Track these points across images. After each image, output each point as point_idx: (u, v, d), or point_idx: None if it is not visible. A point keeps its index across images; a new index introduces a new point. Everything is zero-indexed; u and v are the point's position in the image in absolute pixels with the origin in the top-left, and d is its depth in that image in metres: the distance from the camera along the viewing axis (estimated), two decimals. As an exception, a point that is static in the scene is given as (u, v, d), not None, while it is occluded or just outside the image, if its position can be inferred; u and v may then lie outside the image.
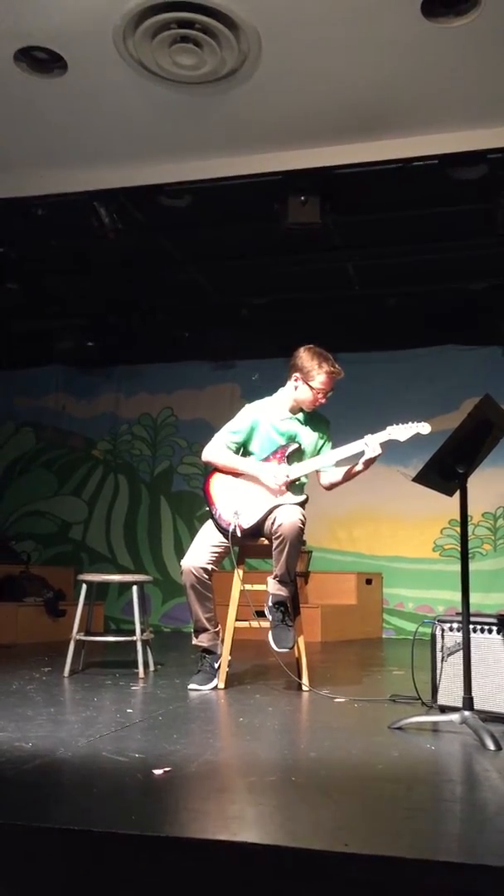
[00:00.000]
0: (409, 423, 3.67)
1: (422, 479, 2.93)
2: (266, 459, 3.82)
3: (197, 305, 7.29)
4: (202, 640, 3.84)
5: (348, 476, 3.84)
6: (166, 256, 6.37)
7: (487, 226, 5.56)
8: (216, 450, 3.87)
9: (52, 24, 3.83)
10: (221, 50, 3.92)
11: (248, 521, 3.74)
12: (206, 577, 3.76)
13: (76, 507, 8.30)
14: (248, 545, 3.84)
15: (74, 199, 5.17)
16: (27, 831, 1.73)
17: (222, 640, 3.86)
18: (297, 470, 3.80)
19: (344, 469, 3.84)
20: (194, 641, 3.87)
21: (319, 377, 3.81)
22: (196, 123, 4.59)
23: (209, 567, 3.76)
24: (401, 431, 3.68)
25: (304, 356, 3.85)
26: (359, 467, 3.78)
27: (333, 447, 3.90)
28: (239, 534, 3.72)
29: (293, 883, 1.60)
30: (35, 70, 4.16)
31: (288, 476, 3.72)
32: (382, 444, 3.68)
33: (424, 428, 3.64)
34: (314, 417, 3.95)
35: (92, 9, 3.72)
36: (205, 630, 3.83)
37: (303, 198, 4.94)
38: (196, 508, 7.63)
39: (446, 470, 2.90)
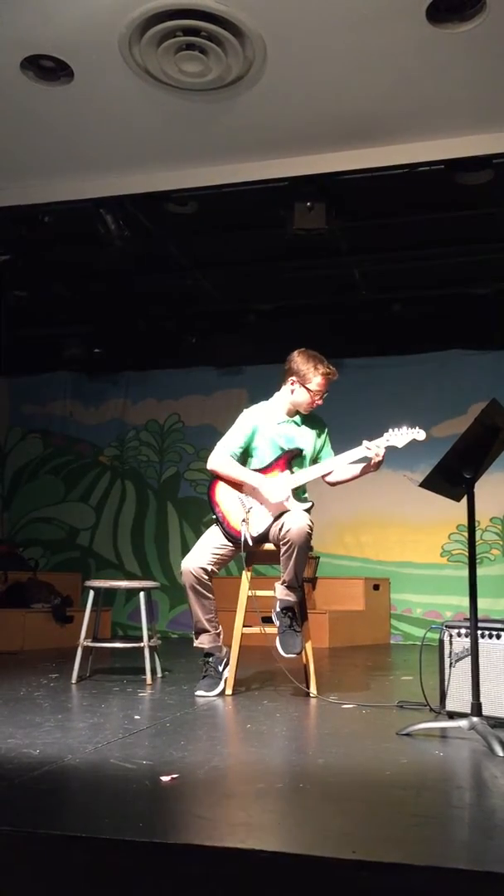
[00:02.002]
0: (406, 427, 3.71)
1: (429, 484, 2.93)
2: (268, 467, 3.83)
3: (203, 311, 7.30)
4: (203, 642, 3.84)
5: (353, 478, 3.88)
6: (173, 263, 6.39)
7: (493, 230, 5.57)
8: (221, 460, 3.87)
9: (58, 33, 3.85)
10: (227, 57, 3.94)
11: (256, 529, 3.75)
12: (206, 577, 3.76)
13: (83, 514, 8.31)
14: (256, 551, 3.84)
15: (81, 207, 5.19)
16: (34, 838, 1.73)
17: (224, 643, 3.87)
18: (300, 478, 3.81)
19: (350, 468, 3.85)
20: (195, 643, 3.87)
21: (316, 379, 3.84)
22: (202, 130, 4.61)
23: (209, 568, 3.77)
24: (398, 438, 3.72)
25: (300, 360, 3.88)
26: (359, 471, 3.82)
27: (338, 451, 3.91)
28: (251, 542, 3.73)
29: (301, 890, 1.59)
30: (41, 78, 4.18)
31: (289, 498, 3.73)
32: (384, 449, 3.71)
33: (420, 434, 3.71)
34: (311, 419, 3.99)
35: (98, 17, 3.74)
36: (205, 631, 3.83)
37: (309, 204, 4.95)
38: (203, 514, 7.63)
39: (453, 475, 2.90)
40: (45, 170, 5.05)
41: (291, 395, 3.90)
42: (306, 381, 3.85)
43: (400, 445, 3.72)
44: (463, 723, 2.75)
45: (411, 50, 3.92)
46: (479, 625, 2.94)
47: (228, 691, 3.77)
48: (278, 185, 4.98)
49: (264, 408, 3.99)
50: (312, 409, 3.94)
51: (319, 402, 3.90)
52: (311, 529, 3.62)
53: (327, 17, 3.72)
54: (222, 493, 3.87)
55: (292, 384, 3.89)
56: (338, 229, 5.41)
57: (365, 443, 3.73)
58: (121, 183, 5.12)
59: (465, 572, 2.93)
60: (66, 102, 4.37)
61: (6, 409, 8.64)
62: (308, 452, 3.92)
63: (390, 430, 3.75)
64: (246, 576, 3.82)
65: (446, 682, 3.21)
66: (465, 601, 2.95)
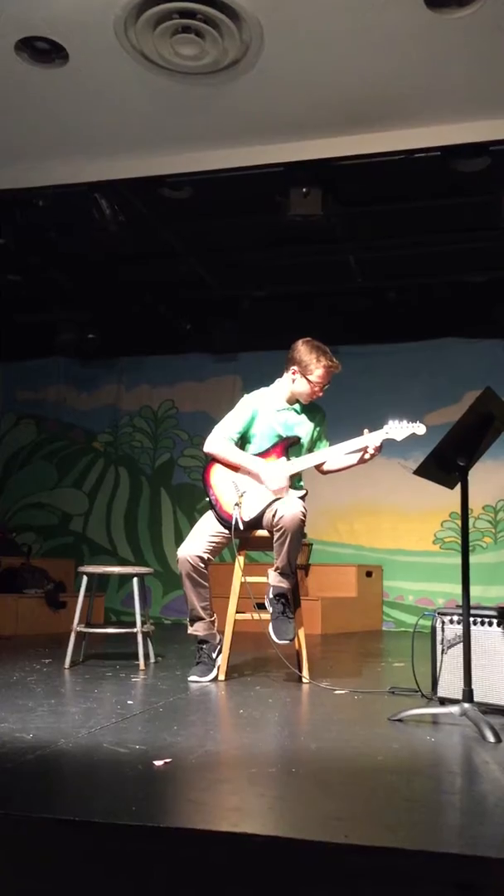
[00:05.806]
0: (406, 421, 3.70)
1: (423, 471, 2.93)
2: (266, 453, 3.83)
3: (198, 297, 7.28)
4: (197, 630, 3.85)
5: (347, 467, 3.89)
6: (167, 248, 6.36)
7: (489, 218, 5.55)
8: (219, 443, 3.87)
9: (53, 14, 3.81)
10: (223, 40, 3.90)
11: (248, 514, 3.75)
12: (202, 565, 3.77)
13: (77, 499, 8.31)
14: (249, 537, 3.85)
15: (76, 191, 5.16)
16: (28, 822, 1.73)
17: (219, 630, 3.88)
18: (297, 465, 3.81)
19: (344, 458, 3.85)
20: (190, 630, 3.88)
21: (317, 371, 3.83)
22: (198, 114, 4.57)
23: (205, 556, 3.77)
24: (398, 431, 3.71)
25: (303, 349, 3.86)
26: (355, 460, 3.82)
27: (333, 440, 3.91)
28: (241, 526, 3.73)
29: (293, 874, 1.61)
30: (36, 60, 4.14)
31: (288, 480, 3.74)
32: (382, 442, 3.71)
33: (420, 429, 3.69)
34: (310, 407, 3.99)
35: (93, -1, 3.71)
36: (200, 619, 3.84)
37: (304, 189, 4.92)
38: (197, 501, 7.64)
39: (447, 463, 2.90)
40: (40, 153, 5.01)
41: (292, 384, 3.89)
42: (307, 371, 3.84)
43: (399, 439, 3.71)
44: (454, 709, 2.77)
45: (409, 35, 3.89)
46: (472, 612, 2.95)
47: (221, 677, 3.79)
48: (274, 170, 4.95)
49: (264, 394, 3.98)
50: (312, 400, 3.94)
51: (320, 393, 3.90)
52: (305, 516, 3.62)
53: (325, 1, 3.69)
54: (217, 476, 3.87)
55: (293, 374, 3.88)
56: (333, 216, 5.38)
57: (365, 432, 3.72)
58: (116, 167, 5.08)
59: (458, 559, 2.94)
60: (60, 85, 4.33)
61: (-1, 394, 8.62)
62: (306, 440, 3.92)
63: (390, 422, 3.73)
64: (239, 562, 3.83)
65: (438, 669, 3.23)
66: (458, 588, 2.97)
